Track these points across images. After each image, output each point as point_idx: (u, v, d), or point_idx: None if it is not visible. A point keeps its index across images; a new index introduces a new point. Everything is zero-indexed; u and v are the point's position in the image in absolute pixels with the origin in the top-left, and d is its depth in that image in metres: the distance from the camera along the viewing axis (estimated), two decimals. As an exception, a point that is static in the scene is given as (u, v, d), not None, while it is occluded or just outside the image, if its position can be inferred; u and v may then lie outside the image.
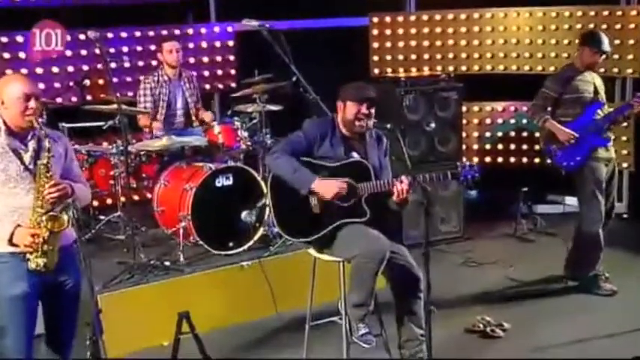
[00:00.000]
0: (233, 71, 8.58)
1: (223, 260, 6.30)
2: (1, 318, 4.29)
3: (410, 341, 5.15)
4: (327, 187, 4.90)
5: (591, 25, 8.36)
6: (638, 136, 8.49)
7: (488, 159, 9.14)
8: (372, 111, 5.07)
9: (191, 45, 8.40)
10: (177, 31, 8.28)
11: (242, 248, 6.38)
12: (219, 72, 8.56)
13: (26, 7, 7.63)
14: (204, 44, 8.48)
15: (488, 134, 9.12)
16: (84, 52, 7.81)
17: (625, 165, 8.60)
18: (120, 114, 6.11)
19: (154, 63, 7.78)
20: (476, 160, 8.99)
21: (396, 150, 5.36)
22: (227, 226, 6.38)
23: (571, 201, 7.82)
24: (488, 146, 9.13)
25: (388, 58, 9.12)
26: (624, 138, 8.51)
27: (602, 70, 8.17)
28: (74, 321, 4.65)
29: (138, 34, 8.10)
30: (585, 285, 6.69)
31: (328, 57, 8.74)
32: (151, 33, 8.08)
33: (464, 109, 8.86)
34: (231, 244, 6.36)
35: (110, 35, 8.00)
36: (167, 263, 6.19)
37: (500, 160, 9.13)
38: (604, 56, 6.61)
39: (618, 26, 8.33)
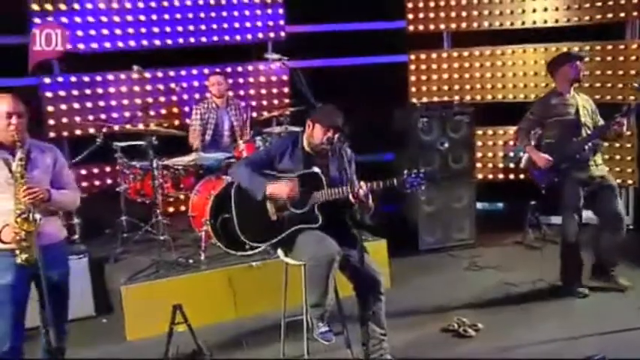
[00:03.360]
0: (287, 100, 8.13)
1: (239, 260, 5.85)
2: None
3: (371, 339, 4.63)
4: (279, 188, 4.46)
5: (597, 59, 7.57)
6: (640, 155, 7.52)
7: (512, 176, 8.33)
8: (337, 135, 4.54)
9: (252, 79, 8.07)
10: (239, 68, 7.99)
11: (256, 251, 5.89)
12: (276, 101, 8.15)
13: (115, 51, 7.45)
14: (262, 78, 8.10)
15: (511, 154, 8.24)
16: (160, 87, 7.61)
17: (630, 182, 7.65)
18: (147, 134, 5.80)
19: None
20: (501, 176, 8.26)
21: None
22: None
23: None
24: (512, 165, 8.24)
25: (424, 89, 8.49)
26: (629, 157, 7.59)
27: (608, 97, 7.34)
28: (64, 308, 4.39)
29: (206, 71, 7.76)
30: (565, 287, 5.96)
31: (374, 88, 8.20)
32: (218, 70, 7.72)
33: (490, 132, 8.27)
34: (247, 246, 5.87)
35: (184, 73, 7.75)
36: (191, 261, 5.85)
37: (522, 176, 8.22)
38: (582, 62, 5.87)
39: (621, 58, 7.48)
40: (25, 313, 4.18)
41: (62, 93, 7.26)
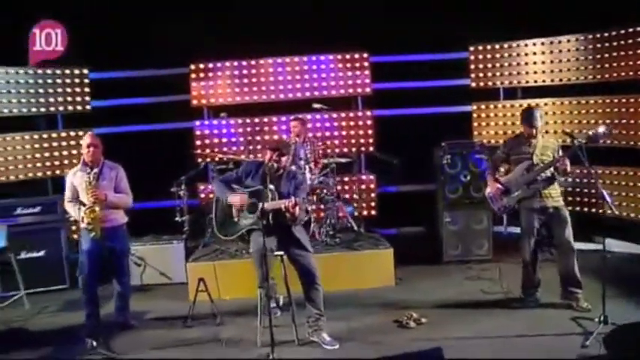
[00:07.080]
0: (371, 140, 8.78)
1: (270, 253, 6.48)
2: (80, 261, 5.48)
3: (310, 317, 5.30)
4: (234, 199, 5.27)
5: (615, 109, 7.41)
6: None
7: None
8: (282, 159, 5.27)
9: (344, 123, 8.84)
10: (334, 115, 8.77)
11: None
12: (362, 140, 8.83)
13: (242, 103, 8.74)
14: (352, 123, 8.85)
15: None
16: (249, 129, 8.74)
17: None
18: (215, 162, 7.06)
19: (318, 134, 8.51)
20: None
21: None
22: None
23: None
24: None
25: (484, 133, 8.67)
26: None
27: (615, 142, 7.06)
28: (124, 272, 5.72)
29: (283, 118, 8.73)
30: (522, 298, 6.01)
31: (444, 132, 8.51)
32: (318, 117, 8.70)
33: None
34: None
35: (283, 118, 8.76)
36: (243, 252, 6.70)
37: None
38: (536, 129, 5.84)
39: (632, 110, 7.18)
40: (100, 269, 5.48)
41: (206, 132, 8.78)
